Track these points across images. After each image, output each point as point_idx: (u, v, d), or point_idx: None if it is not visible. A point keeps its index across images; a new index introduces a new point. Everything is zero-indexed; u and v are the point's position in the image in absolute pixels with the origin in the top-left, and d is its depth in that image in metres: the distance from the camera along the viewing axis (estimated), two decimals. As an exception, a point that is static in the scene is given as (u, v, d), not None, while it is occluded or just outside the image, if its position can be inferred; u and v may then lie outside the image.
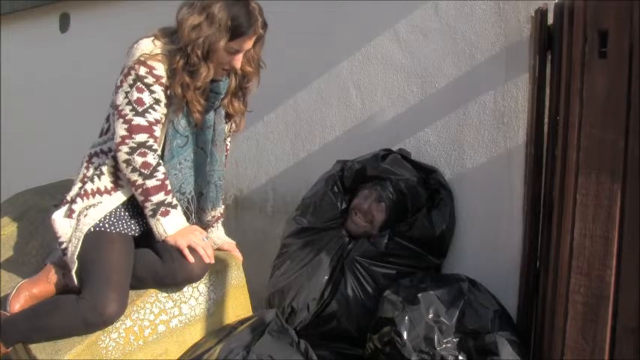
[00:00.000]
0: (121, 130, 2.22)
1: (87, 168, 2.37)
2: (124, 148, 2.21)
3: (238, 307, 2.53)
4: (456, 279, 2.51)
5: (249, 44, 2.28)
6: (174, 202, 2.29)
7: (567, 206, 2.15)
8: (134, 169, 2.22)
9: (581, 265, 2.12)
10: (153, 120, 2.24)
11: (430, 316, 2.35)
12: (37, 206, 2.99)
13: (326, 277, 2.71)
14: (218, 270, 2.46)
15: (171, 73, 2.23)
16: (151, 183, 2.23)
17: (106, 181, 2.32)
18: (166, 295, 2.35)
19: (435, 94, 2.85)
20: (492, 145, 2.69)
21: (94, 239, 2.25)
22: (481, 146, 2.72)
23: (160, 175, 2.25)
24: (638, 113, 2.00)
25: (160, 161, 2.27)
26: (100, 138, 2.39)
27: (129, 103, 2.21)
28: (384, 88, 3.01)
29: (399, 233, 2.72)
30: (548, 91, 2.39)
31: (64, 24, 4.71)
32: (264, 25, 2.29)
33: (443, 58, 2.81)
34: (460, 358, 2.30)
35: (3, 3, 4.97)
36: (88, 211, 2.28)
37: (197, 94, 2.28)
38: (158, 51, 2.23)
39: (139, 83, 2.21)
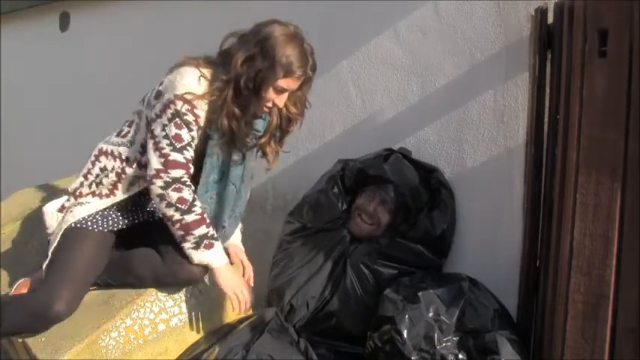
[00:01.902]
0: (156, 163, 2.19)
1: (93, 164, 2.36)
2: (159, 182, 2.18)
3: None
4: (457, 278, 2.51)
5: (296, 84, 2.22)
6: (215, 234, 2.28)
7: (567, 205, 2.15)
8: (169, 204, 2.19)
9: (581, 264, 2.13)
10: (189, 157, 2.22)
11: (430, 314, 2.35)
12: (37, 205, 2.99)
13: (326, 276, 2.71)
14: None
15: (219, 106, 2.19)
16: (190, 218, 2.21)
17: (104, 188, 2.32)
18: (166, 293, 2.35)
19: (435, 93, 2.85)
20: (492, 144, 2.69)
21: (71, 236, 2.26)
22: (481, 145, 2.72)
23: (198, 209, 2.23)
24: (638, 112, 2.01)
25: (195, 196, 2.24)
26: (117, 138, 2.36)
27: (166, 137, 2.17)
28: (384, 87, 3.01)
29: (401, 233, 2.72)
30: (548, 91, 2.39)
31: (64, 23, 4.71)
32: (314, 68, 2.23)
33: (443, 57, 2.81)
34: (460, 356, 2.30)
35: (3, 2, 4.96)
36: (75, 209, 2.29)
37: (246, 127, 2.24)
38: (202, 90, 2.18)
39: (177, 119, 2.16)
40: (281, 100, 2.23)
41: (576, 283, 2.14)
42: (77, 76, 4.63)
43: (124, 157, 2.31)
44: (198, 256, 2.23)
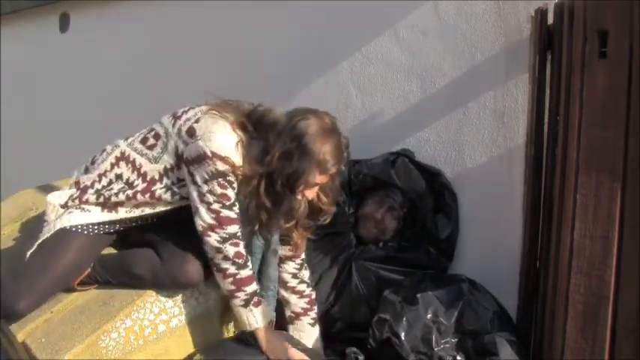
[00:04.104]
0: (208, 218, 2.15)
1: (112, 166, 2.33)
2: (215, 236, 2.16)
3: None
4: (456, 279, 2.51)
5: (328, 179, 2.20)
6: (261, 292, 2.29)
7: (567, 206, 2.15)
8: (226, 258, 2.17)
9: (581, 264, 2.13)
10: (237, 212, 2.19)
11: (429, 316, 2.35)
12: (37, 206, 2.98)
13: (332, 280, 2.71)
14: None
15: (250, 192, 2.17)
16: (245, 273, 2.19)
17: (115, 197, 2.28)
18: (167, 294, 2.34)
19: (435, 93, 2.85)
20: (492, 144, 2.69)
21: (60, 237, 2.26)
22: (481, 146, 2.72)
23: (250, 265, 2.23)
24: (638, 113, 2.01)
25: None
26: (140, 145, 2.31)
27: (211, 193, 2.13)
28: (384, 88, 3.01)
29: (406, 238, 2.73)
30: (548, 91, 2.39)
31: (64, 24, 4.70)
32: (347, 161, 2.23)
33: (443, 57, 2.80)
34: (458, 358, 2.30)
35: (3, 3, 4.96)
36: (75, 212, 2.28)
37: (275, 220, 2.23)
38: (239, 159, 2.14)
39: (221, 179, 2.13)
40: (311, 193, 2.21)
41: (576, 284, 2.14)
42: (77, 77, 4.62)
43: (142, 172, 2.28)
44: (246, 314, 2.22)
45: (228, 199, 2.15)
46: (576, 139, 2.12)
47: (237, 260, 2.18)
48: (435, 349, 2.29)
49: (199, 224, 2.17)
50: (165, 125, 2.28)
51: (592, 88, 2.08)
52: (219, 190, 2.13)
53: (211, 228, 2.15)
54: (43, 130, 4.98)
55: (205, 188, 2.13)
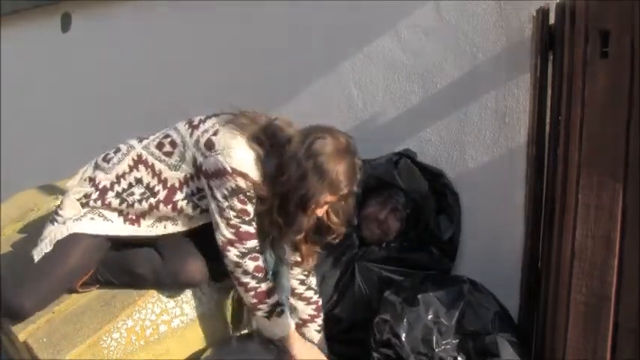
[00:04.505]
0: (227, 233, 2.17)
1: (130, 169, 2.30)
2: (234, 251, 2.18)
3: (240, 307, 2.53)
4: (457, 280, 2.50)
5: (338, 198, 2.19)
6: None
7: (569, 206, 2.15)
8: (246, 272, 2.20)
9: (582, 265, 2.12)
10: (256, 227, 2.21)
11: (429, 317, 2.35)
12: (38, 206, 2.99)
13: (335, 281, 2.71)
14: (220, 270, 2.45)
15: (264, 210, 2.18)
16: (266, 286, 2.23)
17: (132, 210, 2.29)
18: (168, 295, 2.35)
19: (436, 93, 2.84)
20: (494, 145, 2.69)
21: (72, 237, 2.27)
22: (482, 146, 2.72)
23: (270, 277, 2.26)
24: (639, 113, 2.00)
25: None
26: (157, 151, 2.29)
27: (231, 208, 2.14)
28: (385, 88, 3.01)
29: (409, 239, 2.72)
30: (549, 91, 2.39)
31: (66, 24, 4.71)
32: (360, 182, 2.21)
33: (444, 57, 2.80)
34: (459, 359, 2.29)
35: (4, 3, 4.96)
36: (97, 219, 2.28)
37: (286, 238, 2.24)
38: (258, 175, 2.14)
39: (241, 196, 2.14)
40: (320, 211, 2.21)
41: (578, 284, 2.13)
42: (78, 77, 4.62)
43: (162, 178, 2.27)
44: (271, 325, 2.25)
45: (248, 214, 2.17)
46: (578, 139, 2.12)
47: (257, 274, 2.20)
48: (436, 349, 2.28)
49: (219, 239, 2.19)
50: (182, 134, 2.26)
51: (593, 88, 2.08)
52: (239, 206, 2.15)
53: (231, 243, 2.17)
54: (43, 131, 4.98)
55: (225, 204, 2.15)
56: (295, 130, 2.20)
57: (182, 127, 2.29)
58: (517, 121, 2.60)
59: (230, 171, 2.11)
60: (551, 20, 2.36)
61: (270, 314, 2.24)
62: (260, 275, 2.21)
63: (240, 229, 2.17)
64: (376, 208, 2.77)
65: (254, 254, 2.20)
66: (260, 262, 2.21)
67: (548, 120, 2.41)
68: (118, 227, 2.29)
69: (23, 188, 3.29)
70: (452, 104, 2.79)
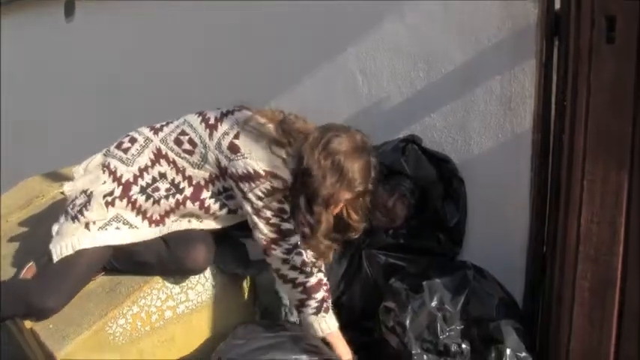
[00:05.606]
0: (269, 232, 2.19)
1: (152, 162, 2.30)
2: (279, 249, 2.20)
3: (245, 293, 2.54)
4: (462, 266, 2.50)
5: (354, 196, 2.18)
6: None
7: (574, 192, 2.14)
8: (294, 267, 2.22)
9: (588, 251, 2.12)
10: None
11: (434, 304, 2.35)
12: (43, 193, 3.00)
13: (342, 269, 2.72)
14: (224, 256, 2.46)
15: (291, 209, 2.19)
16: (314, 280, 2.24)
17: (165, 200, 2.29)
18: (173, 281, 2.36)
19: (441, 79, 2.83)
20: (499, 130, 2.67)
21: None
22: (487, 132, 2.71)
23: (317, 272, 2.26)
24: (645, 98, 1.99)
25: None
26: (176, 147, 2.28)
27: (268, 208, 2.17)
28: (390, 74, 3.00)
29: (416, 225, 2.72)
30: (555, 77, 2.38)
31: (69, 12, 4.70)
32: (375, 180, 2.21)
33: (449, 43, 2.79)
34: (463, 346, 2.29)
35: (3, -6, 4.96)
36: (121, 227, 2.28)
37: (315, 237, 2.19)
38: (287, 175, 2.16)
39: (277, 195, 2.17)
40: (337, 209, 2.21)
41: (583, 270, 2.13)
42: (82, 66, 4.62)
43: (187, 175, 2.28)
44: (318, 321, 2.26)
45: (286, 212, 2.19)
46: (584, 125, 2.10)
47: (304, 268, 2.23)
48: (441, 336, 2.29)
49: (261, 238, 2.21)
50: (200, 133, 2.26)
51: (599, 74, 2.06)
52: (276, 206, 2.17)
53: (274, 241, 2.20)
54: (47, 121, 4.99)
55: (260, 204, 2.17)
56: (311, 127, 2.21)
57: (197, 124, 2.28)
58: (522, 106, 2.59)
59: (263, 174, 2.14)
60: (557, 5, 2.35)
61: (318, 310, 2.25)
62: (307, 269, 2.23)
63: (282, 227, 2.19)
64: (384, 196, 2.76)
65: (299, 249, 2.22)
66: (305, 257, 2.23)
67: (553, 105, 2.39)
68: (144, 233, 2.30)
69: (27, 175, 3.29)
70: (457, 90, 2.77)
